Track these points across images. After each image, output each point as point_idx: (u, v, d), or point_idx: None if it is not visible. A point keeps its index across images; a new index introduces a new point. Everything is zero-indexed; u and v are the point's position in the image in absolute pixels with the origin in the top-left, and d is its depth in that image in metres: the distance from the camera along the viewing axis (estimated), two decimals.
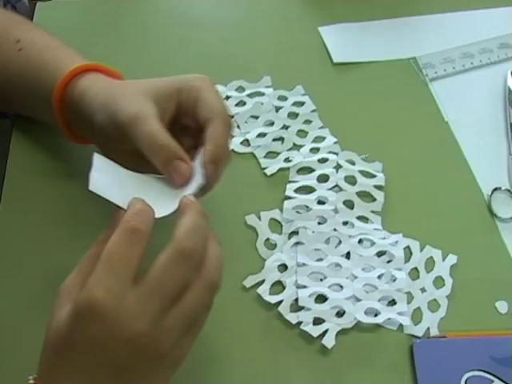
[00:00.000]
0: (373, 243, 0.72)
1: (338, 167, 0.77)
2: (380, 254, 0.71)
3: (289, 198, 0.75)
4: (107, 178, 0.57)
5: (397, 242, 0.72)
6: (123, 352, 0.49)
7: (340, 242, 0.72)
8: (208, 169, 0.59)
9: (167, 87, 0.64)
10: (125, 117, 0.61)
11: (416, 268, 0.71)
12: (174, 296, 0.51)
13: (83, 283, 0.50)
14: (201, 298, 0.53)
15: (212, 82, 0.65)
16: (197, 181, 0.59)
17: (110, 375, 0.50)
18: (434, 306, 0.69)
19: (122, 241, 0.50)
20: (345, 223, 0.73)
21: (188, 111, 0.63)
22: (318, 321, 0.66)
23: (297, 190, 0.76)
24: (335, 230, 0.72)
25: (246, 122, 0.82)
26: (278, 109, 0.84)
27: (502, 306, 0.69)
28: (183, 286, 0.51)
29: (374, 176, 0.77)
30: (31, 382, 0.51)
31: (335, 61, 0.90)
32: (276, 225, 0.74)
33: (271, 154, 0.80)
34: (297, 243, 0.72)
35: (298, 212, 0.74)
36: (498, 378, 0.63)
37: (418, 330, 0.67)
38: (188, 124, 0.64)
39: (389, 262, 0.71)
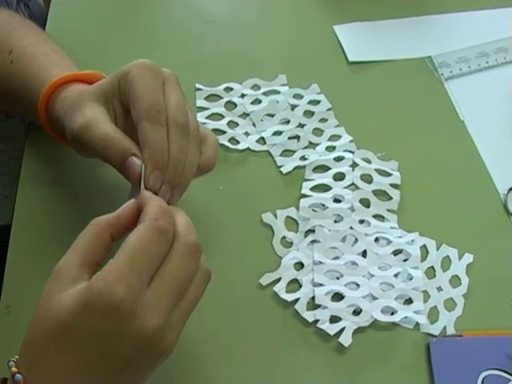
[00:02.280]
0: (389, 242, 0.72)
1: (354, 165, 0.77)
2: (396, 252, 0.71)
3: (305, 196, 0.75)
4: None
5: (413, 240, 0.72)
6: (131, 349, 0.48)
7: (356, 240, 0.72)
8: (147, 179, 0.57)
9: (109, 85, 0.62)
10: (77, 128, 0.61)
11: (432, 267, 0.71)
12: (183, 290, 0.51)
13: (81, 264, 0.50)
14: (200, 291, 0.53)
15: (151, 68, 0.60)
16: None
17: (110, 370, 0.49)
18: (450, 304, 0.69)
19: (150, 239, 0.50)
20: (361, 221, 0.73)
21: (127, 106, 0.60)
22: (334, 319, 0.66)
23: (313, 188, 0.76)
24: (351, 228, 0.72)
25: (261, 120, 0.82)
26: (293, 107, 0.84)
27: None
28: (190, 279, 0.52)
29: (389, 174, 0.77)
30: (14, 369, 0.49)
31: (350, 59, 0.90)
32: (292, 223, 0.74)
33: (287, 153, 0.80)
34: (313, 241, 0.72)
35: (314, 210, 0.74)
36: None
37: (435, 329, 0.67)
38: None
39: (405, 260, 0.71)
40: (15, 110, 0.82)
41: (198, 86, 0.86)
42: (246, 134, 0.82)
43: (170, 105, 0.58)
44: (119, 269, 0.48)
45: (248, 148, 0.80)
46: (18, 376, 0.48)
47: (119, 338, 0.48)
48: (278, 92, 0.86)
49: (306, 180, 0.77)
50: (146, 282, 0.49)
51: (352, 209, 0.74)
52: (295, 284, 0.69)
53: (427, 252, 0.72)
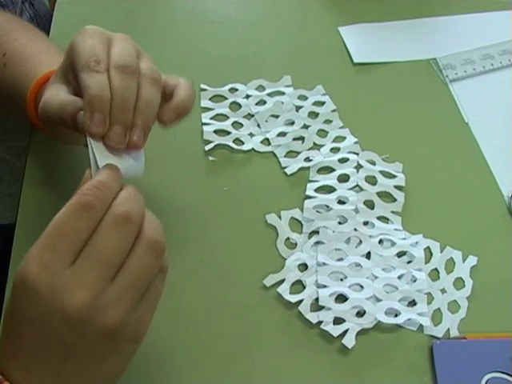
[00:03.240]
0: (393, 243, 0.72)
1: (358, 167, 0.78)
2: (400, 254, 0.71)
3: (309, 197, 0.75)
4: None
5: (417, 242, 0.72)
6: (65, 329, 0.47)
7: (360, 241, 0.72)
8: (91, 127, 0.54)
9: (63, 61, 0.61)
10: (39, 110, 0.61)
11: (436, 269, 0.71)
12: (114, 264, 0.48)
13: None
14: (145, 260, 0.49)
15: (93, 30, 0.59)
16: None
17: (60, 355, 0.48)
18: (454, 307, 0.69)
19: (69, 215, 0.47)
20: (365, 223, 0.73)
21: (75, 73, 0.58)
22: (338, 320, 0.66)
23: (317, 190, 0.76)
24: (356, 229, 0.72)
25: (266, 121, 0.83)
26: (298, 108, 0.84)
27: None
28: (123, 252, 0.48)
29: (394, 176, 0.77)
30: None
31: (355, 61, 0.90)
32: (296, 224, 0.74)
33: (291, 154, 0.80)
34: (317, 243, 0.72)
35: (318, 211, 0.74)
36: None
37: (438, 331, 0.67)
38: None
39: (409, 262, 0.71)
40: (11, 114, 0.82)
41: (202, 86, 0.86)
42: (251, 134, 0.82)
43: (112, 53, 0.57)
44: (36, 250, 0.47)
45: (252, 149, 0.80)
46: None
47: (50, 320, 0.46)
48: (282, 93, 0.86)
49: (311, 181, 0.77)
50: (65, 260, 0.47)
51: (356, 210, 0.74)
52: (299, 285, 0.69)
53: (431, 254, 0.72)
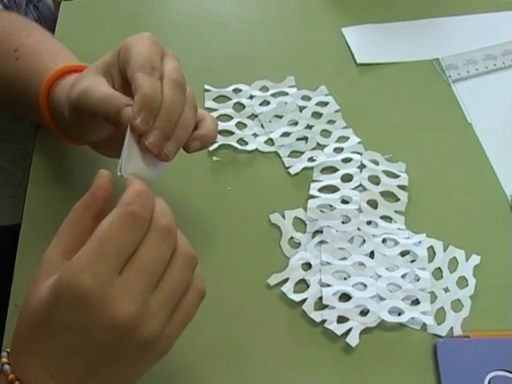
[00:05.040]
0: (396, 243, 0.72)
1: (361, 167, 0.78)
2: (404, 253, 0.72)
3: (313, 197, 0.76)
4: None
5: (420, 241, 0.72)
6: (107, 339, 0.47)
7: (364, 241, 0.72)
8: (137, 120, 0.55)
9: (110, 56, 0.62)
10: (75, 95, 0.61)
11: (439, 268, 0.71)
12: (157, 276, 0.49)
13: (63, 252, 0.50)
14: (182, 273, 0.51)
15: (151, 38, 0.60)
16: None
17: (90, 362, 0.48)
18: (457, 305, 0.69)
19: (120, 225, 0.48)
20: (368, 223, 0.74)
21: (125, 73, 0.59)
22: (341, 319, 0.67)
23: (321, 190, 0.76)
24: (359, 229, 0.73)
25: (270, 122, 0.83)
26: (301, 108, 0.84)
27: None
28: (164, 264, 0.50)
29: (397, 176, 0.78)
30: (4, 359, 0.50)
31: (359, 61, 0.90)
32: (300, 223, 0.74)
33: (295, 154, 0.81)
34: (321, 242, 0.72)
35: (321, 211, 0.74)
36: None
37: (442, 330, 0.67)
38: None
39: (412, 261, 0.71)
40: (18, 110, 0.82)
41: (206, 87, 0.86)
42: (255, 135, 0.82)
43: (166, 65, 0.58)
44: (86, 258, 0.47)
45: (256, 149, 0.81)
46: (6, 367, 0.49)
47: (93, 329, 0.47)
48: (286, 93, 0.86)
49: (314, 181, 0.77)
50: (115, 270, 0.47)
51: (360, 210, 0.74)
52: (303, 284, 0.70)
53: (434, 253, 0.72)
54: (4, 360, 0.50)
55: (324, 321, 0.67)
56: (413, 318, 0.67)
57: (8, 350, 0.51)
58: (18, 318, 0.50)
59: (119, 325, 0.47)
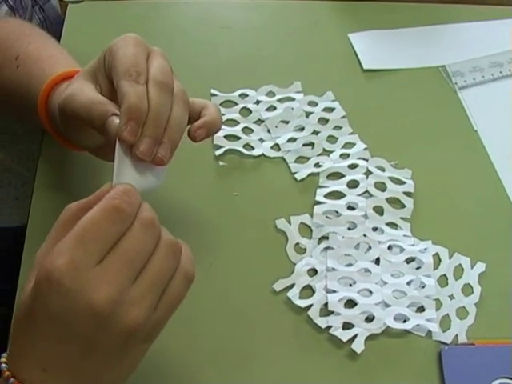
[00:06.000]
0: (402, 249, 0.72)
1: (367, 173, 0.78)
2: (409, 260, 0.72)
3: (319, 202, 0.76)
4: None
5: (426, 248, 0.72)
6: (88, 326, 0.47)
7: (370, 247, 0.72)
8: (120, 131, 0.55)
9: (96, 61, 0.62)
10: (62, 99, 0.62)
11: (445, 275, 0.71)
12: (138, 265, 0.49)
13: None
14: (165, 261, 0.50)
15: (135, 39, 0.60)
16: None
17: (78, 353, 0.48)
18: (462, 313, 0.69)
19: (102, 216, 0.49)
20: (374, 229, 0.74)
21: (111, 77, 0.59)
22: (347, 325, 0.67)
23: (327, 196, 0.76)
24: (365, 235, 0.73)
25: (276, 127, 0.83)
26: (308, 114, 0.85)
27: None
28: (146, 254, 0.50)
29: (403, 183, 0.78)
30: (3, 359, 0.50)
31: (365, 67, 0.91)
32: (306, 229, 0.74)
33: (301, 159, 0.81)
34: (327, 248, 0.72)
35: (328, 217, 0.74)
36: None
37: (447, 337, 0.67)
38: None
39: (418, 268, 0.71)
40: (20, 114, 0.82)
41: (213, 91, 0.86)
42: (261, 140, 0.82)
43: (151, 67, 0.58)
44: (65, 245, 0.47)
45: (263, 154, 0.81)
46: (3, 365, 0.49)
47: (73, 317, 0.47)
48: (292, 99, 0.86)
49: (320, 187, 0.77)
50: (94, 259, 0.47)
51: (365, 216, 0.74)
52: (308, 290, 0.70)
53: (440, 260, 0.72)
54: (3, 359, 0.50)
55: (329, 327, 0.67)
56: (418, 325, 0.67)
57: (6, 353, 0.51)
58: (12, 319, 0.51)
59: (97, 311, 0.47)
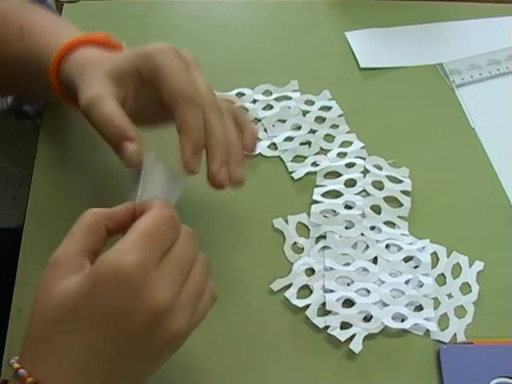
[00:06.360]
0: (400, 248, 0.72)
1: (365, 172, 0.78)
2: (407, 259, 0.72)
3: (316, 202, 0.75)
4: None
5: (424, 247, 0.72)
6: (141, 325, 0.48)
7: (367, 246, 0.72)
8: (187, 162, 0.59)
9: (128, 65, 0.62)
10: (82, 104, 0.61)
11: (443, 274, 0.71)
12: (185, 274, 0.52)
13: (83, 252, 0.51)
14: (203, 275, 0.54)
15: (176, 53, 0.61)
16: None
17: (121, 351, 0.49)
18: (460, 312, 0.69)
19: (162, 222, 0.51)
20: (372, 228, 0.74)
21: (154, 94, 0.61)
22: (345, 325, 0.67)
23: (324, 195, 0.76)
24: (362, 234, 0.73)
25: (273, 126, 0.83)
26: (305, 113, 0.84)
27: None
28: (191, 264, 0.53)
29: (400, 181, 0.78)
30: (16, 365, 0.48)
31: (362, 66, 0.90)
32: (303, 229, 0.74)
33: (298, 158, 0.80)
34: (324, 247, 0.72)
35: (325, 216, 0.74)
36: None
37: (445, 336, 0.67)
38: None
39: (416, 267, 0.71)
40: (24, 90, 0.81)
41: None
42: (258, 139, 0.81)
43: (200, 87, 0.60)
44: (131, 243, 0.49)
45: (259, 153, 0.80)
46: (21, 371, 0.48)
47: (130, 313, 0.48)
48: (289, 98, 0.86)
49: (318, 186, 0.77)
50: (157, 260, 0.50)
51: (363, 215, 0.74)
52: (306, 290, 0.70)
53: (438, 259, 0.72)
54: (16, 365, 0.48)
55: (327, 327, 0.67)
56: (416, 324, 0.67)
57: (16, 357, 0.49)
58: (30, 320, 0.50)
59: (157, 311, 0.48)
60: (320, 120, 0.84)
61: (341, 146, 0.81)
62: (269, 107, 0.85)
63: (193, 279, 0.52)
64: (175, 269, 0.50)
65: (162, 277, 0.49)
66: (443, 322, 0.68)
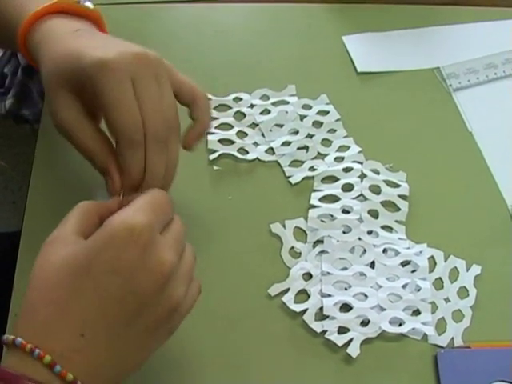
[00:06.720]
0: (397, 253, 0.72)
1: (362, 176, 0.78)
2: (404, 263, 0.72)
3: (313, 206, 0.75)
4: None
5: (421, 251, 0.72)
6: (150, 284, 0.49)
7: (365, 251, 0.72)
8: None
9: (72, 73, 0.60)
10: (52, 120, 0.63)
11: (440, 278, 0.71)
12: (182, 248, 0.54)
13: (77, 232, 0.52)
14: (193, 260, 0.56)
15: (113, 68, 0.57)
16: None
17: (129, 311, 0.49)
18: (458, 316, 0.69)
19: (164, 198, 0.55)
20: (369, 232, 0.74)
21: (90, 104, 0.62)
22: (342, 330, 0.67)
23: (321, 199, 0.76)
24: (360, 239, 0.73)
25: (270, 131, 0.83)
26: (302, 117, 0.84)
27: None
28: (184, 242, 0.55)
29: (398, 186, 0.78)
30: (11, 336, 0.47)
31: (359, 70, 0.90)
32: (301, 233, 0.74)
33: (296, 163, 0.80)
34: (321, 252, 0.72)
35: (322, 221, 0.74)
36: None
37: (443, 340, 0.67)
38: None
39: (413, 271, 0.71)
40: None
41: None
42: (255, 144, 0.82)
43: (146, 115, 0.58)
44: (139, 206, 0.52)
45: (257, 158, 0.80)
46: (18, 340, 0.47)
47: (141, 271, 0.49)
48: (287, 102, 0.86)
49: (315, 190, 0.77)
50: (160, 228, 0.52)
51: (360, 220, 0.74)
52: (303, 294, 0.70)
53: (435, 263, 0.72)
54: (11, 337, 0.48)
55: (325, 331, 0.67)
56: (413, 329, 0.67)
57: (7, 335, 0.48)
58: (29, 289, 0.50)
59: (164, 272, 0.50)
60: (317, 124, 0.84)
61: (338, 150, 0.81)
62: (266, 112, 0.85)
63: (186, 259, 0.54)
64: (175, 241, 0.53)
65: (167, 242, 0.51)
66: (441, 327, 0.68)
